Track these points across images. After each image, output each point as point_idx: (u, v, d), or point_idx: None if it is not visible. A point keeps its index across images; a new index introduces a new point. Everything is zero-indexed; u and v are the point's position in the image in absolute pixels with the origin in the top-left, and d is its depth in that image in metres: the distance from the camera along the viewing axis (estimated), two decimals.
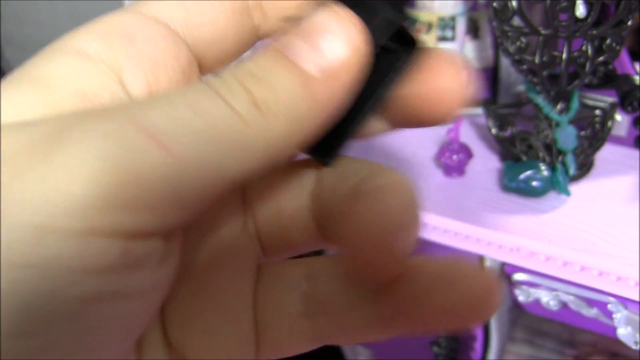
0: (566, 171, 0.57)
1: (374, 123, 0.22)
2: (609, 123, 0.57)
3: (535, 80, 0.56)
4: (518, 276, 0.58)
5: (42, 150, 0.16)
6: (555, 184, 0.57)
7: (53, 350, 0.15)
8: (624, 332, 0.56)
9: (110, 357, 0.17)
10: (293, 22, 0.19)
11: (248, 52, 0.21)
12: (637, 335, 0.56)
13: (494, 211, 0.57)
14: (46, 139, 0.16)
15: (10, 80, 0.19)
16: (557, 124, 0.57)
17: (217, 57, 0.22)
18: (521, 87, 0.66)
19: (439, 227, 0.57)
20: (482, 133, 0.66)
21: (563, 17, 0.53)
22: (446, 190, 0.60)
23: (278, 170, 0.23)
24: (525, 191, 0.57)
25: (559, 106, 0.57)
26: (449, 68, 0.20)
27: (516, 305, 0.63)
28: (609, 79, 0.59)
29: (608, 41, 0.53)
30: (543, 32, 0.53)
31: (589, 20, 0.52)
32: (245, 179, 0.18)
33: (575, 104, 0.57)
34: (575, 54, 0.54)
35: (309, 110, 0.18)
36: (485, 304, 0.19)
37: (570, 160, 0.57)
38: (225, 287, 0.22)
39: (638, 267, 0.51)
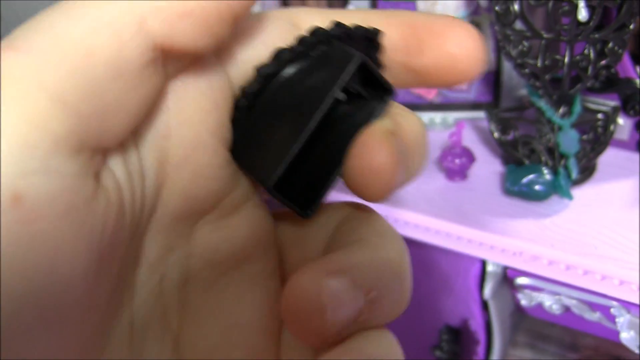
0: (568, 175, 0.57)
1: None
2: (611, 127, 0.57)
3: (537, 84, 0.56)
4: (520, 280, 0.58)
5: None
6: (558, 188, 0.57)
7: None
8: (626, 336, 0.56)
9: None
10: None
11: None
12: None
13: (497, 215, 0.57)
14: None
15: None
16: (560, 128, 0.57)
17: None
18: (523, 91, 0.66)
19: (441, 231, 0.57)
20: (485, 137, 0.66)
21: (565, 20, 0.53)
22: (448, 194, 0.60)
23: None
24: (528, 195, 0.57)
25: (561, 110, 0.57)
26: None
27: (519, 309, 0.63)
28: (611, 83, 0.59)
29: (610, 45, 0.53)
30: (545, 35, 0.53)
31: (591, 24, 0.52)
32: (130, 64, 0.16)
33: (577, 108, 0.57)
34: (578, 57, 0.54)
35: None
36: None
37: (572, 164, 0.57)
38: (249, 311, 0.22)
39: None
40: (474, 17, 0.65)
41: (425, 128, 0.21)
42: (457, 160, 0.60)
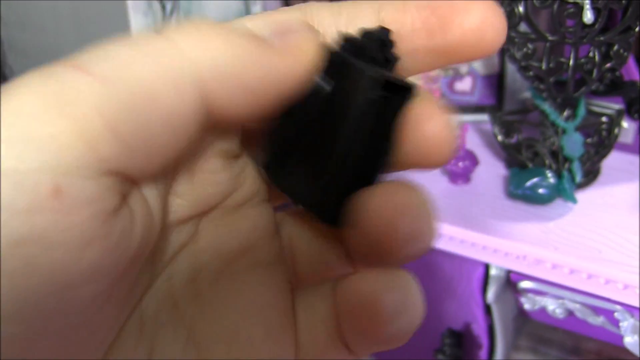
0: (572, 178, 0.57)
1: None
2: (616, 130, 0.57)
3: (541, 86, 0.55)
4: (524, 284, 0.58)
5: None
6: (562, 192, 0.56)
7: None
8: (630, 341, 0.56)
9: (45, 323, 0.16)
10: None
11: None
12: None
13: (500, 218, 0.56)
14: None
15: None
16: (564, 131, 0.57)
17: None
18: (527, 94, 0.66)
19: (445, 235, 0.57)
20: (488, 140, 0.66)
21: (570, 23, 0.52)
22: (452, 197, 0.59)
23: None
24: (531, 198, 0.57)
25: (566, 113, 0.57)
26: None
27: (522, 313, 0.63)
28: (616, 86, 0.58)
29: (615, 47, 0.53)
30: (550, 38, 0.53)
31: (596, 26, 0.52)
32: (185, 116, 0.18)
33: (581, 111, 0.57)
34: (582, 60, 0.54)
35: (251, 51, 0.19)
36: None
37: (576, 167, 0.57)
38: (261, 292, 0.22)
39: None
40: None
41: None
42: (460, 164, 0.60)
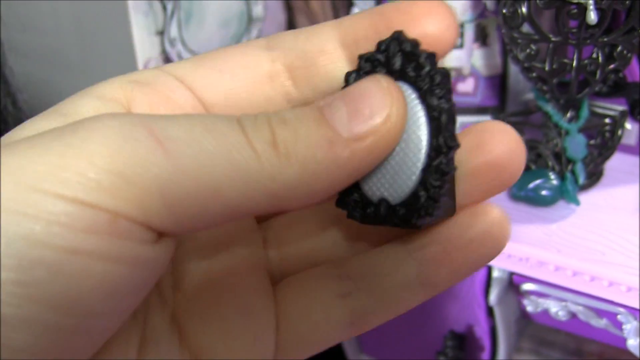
0: (575, 180, 0.57)
1: None
2: (619, 132, 0.57)
3: (544, 88, 0.55)
4: (527, 286, 0.58)
5: (57, 131, 0.18)
6: (565, 193, 0.56)
7: (27, 286, 0.17)
8: (633, 343, 0.55)
9: (85, 315, 0.18)
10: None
11: None
12: None
13: None
14: (64, 125, 0.18)
15: (39, 115, 0.21)
16: (567, 133, 0.57)
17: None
18: (530, 95, 0.65)
19: None
20: None
21: (573, 24, 0.52)
22: None
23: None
24: (534, 200, 0.57)
25: (569, 114, 0.57)
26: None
27: (524, 316, 0.62)
28: (619, 87, 0.58)
29: (619, 49, 0.52)
30: (553, 39, 0.53)
31: (599, 27, 0.51)
32: (248, 212, 0.19)
33: (584, 113, 0.57)
34: (586, 61, 0.53)
35: (327, 164, 0.19)
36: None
37: (579, 169, 0.57)
38: (242, 290, 0.24)
39: None
40: (481, 20, 0.64)
41: None
42: None
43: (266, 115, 0.19)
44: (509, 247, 0.54)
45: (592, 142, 0.57)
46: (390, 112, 0.20)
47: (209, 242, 0.24)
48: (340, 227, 0.25)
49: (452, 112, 0.21)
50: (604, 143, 0.57)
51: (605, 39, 0.52)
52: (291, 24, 0.78)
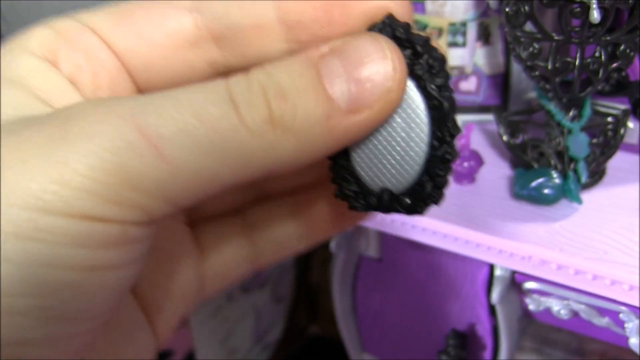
0: (578, 179, 0.57)
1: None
2: (622, 130, 0.57)
3: (547, 86, 0.55)
4: (529, 285, 0.58)
5: (48, 142, 0.18)
6: (567, 192, 0.56)
7: (52, 310, 0.18)
8: (635, 342, 0.55)
9: (99, 319, 0.19)
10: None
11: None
12: None
13: (505, 219, 0.56)
14: (53, 133, 0.18)
15: None
16: (569, 131, 0.57)
17: (154, 80, 0.23)
18: (532, 94, 0.65)
19: (449, 235, 0.57)
20: (493, 140, 0.65)
21: (576, 22, 0.52)
22: (456, 197, 0.59)
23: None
24: (537, 199, 0.57)
25: (571, 113, 0.57)
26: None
27: (526, 314, 0.62)
28: (622, 86, 0.58)
29: (622, 47, 0.52)
30: (556, 37, 0.53)
31: (602, 26, 0.51)
32: (240, 184, 0.20)
33: (587, 111, 0.57)
34: (589, 60, 0.53)
35: (324, 137, 0.19)
36: None
37: (582, 168, 0.57)
38: (166, 236, 0.26)
39: None
40: (483, 19, 0.64)
41: None
42: (465, 164, 0.60)
43: (260, 84, 0.19)
44: (511, 246, 0.54)
45: (594, 140, 0.57)
46: (392, 84, 0.20)
47: None
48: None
49: (452, 101, 0.21)
50: (607, 142, 0.57)
51: (608, 38, 0.52)
52: None
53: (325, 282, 0.83)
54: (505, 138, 0.59)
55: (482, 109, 0.68)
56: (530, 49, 0.54)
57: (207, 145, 0.18)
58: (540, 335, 0.74)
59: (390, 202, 0.22)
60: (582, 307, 0.57)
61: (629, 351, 0.56)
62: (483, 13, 0.64)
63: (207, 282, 0.27)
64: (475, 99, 0.67)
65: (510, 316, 0.62)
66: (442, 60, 0.21)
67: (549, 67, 0.54)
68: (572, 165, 0.57)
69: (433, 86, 0.21)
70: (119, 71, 0.22)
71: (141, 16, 0.22)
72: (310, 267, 0.96)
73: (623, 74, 0.55)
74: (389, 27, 0.21)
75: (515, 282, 0.59)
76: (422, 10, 0.64)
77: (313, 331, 1.03)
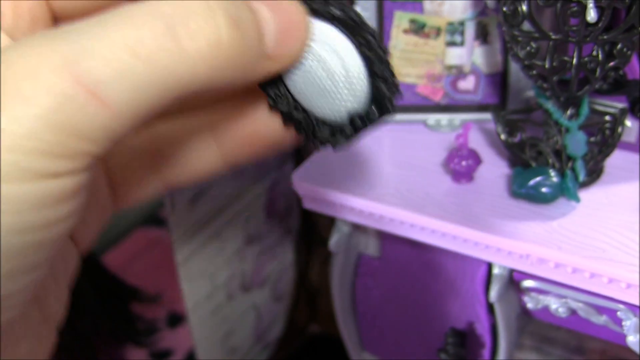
0: (576, 177, 0.57)
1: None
2: (619, 129, 0.57)
3: (545, 85, 0.55)
4: (527, 283, 0.58)
5: None
6: (565, 191, 0.56)
7: (16, 269, 0.19)
8: (633, 340, 0.56)
9: (52, 260, 0.20)
10: None
11: None
12: None
13: (503, 217, 0.56)
14: None
15: None
16: (567, 130, 0.57)
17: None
18: (530, 93, 0.65)
19: (448, 234, 0.57)
20: (491, 139, 0.66)
21: (573, 21, 0.52)
22: (455, 196, 0.59)
23: None
24: (535, 197, 0.57)
25: (569, 112, 0.57)
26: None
27: (525, 312, 0.63)
28: (619, 85, 0.58)
29: (619, 46, 0.53)
30: (553, 37, 0.53)
31: (599, 25, 0.51)
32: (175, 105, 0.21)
33: (585, 110, 0.57)
34: (586, 59, 0.53)
35: (263, 63, 0.22)
36: None
37: (580, 166, 0.57)
38: None
39: None
40: (482, 18, 0.65)
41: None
42: (463, 162, 0.60)
43: (208, 6, 0.20)
44: (510, 244, 0.54)
45: (592, 139, 0.57)
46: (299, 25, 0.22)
47: None
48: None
49: (355, 12, 0.23)
50: (604, 140, 0.57)
51: (606, 37, 0.52)
52: None
53: (325, 281, 0.83)
54: (503, 137, 0.59)
55: (480, 107, 0.68)
56: (528, 48, 0.54)
57: (146, 81, 0.19)
58: (540, 333, 0.74)
59: (364, 123, 0.25)
60: (580, 305, 0.57)
61: (628, 349, 0.57)
62: (481, 12, 0.64)
63: (118, 199, 0.28)
64: (473, 98, 0.68)
65: (509, 314, 0.62)
66: None
67: (547, 66, 0.54)
68: (570, 164, 0.57)
69: (333, 9, 0.23)
70: None
71: None
72: (310, 266, 0.96)
73: (620, 72, 0.55)
74: None
75: (513, 280, 0.59)
76: (420, 9, 0.64)
77: (313, 330, 1.03)
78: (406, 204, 0.59)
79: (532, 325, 0.74)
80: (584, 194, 0.58)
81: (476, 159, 0.60)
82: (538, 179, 0.56)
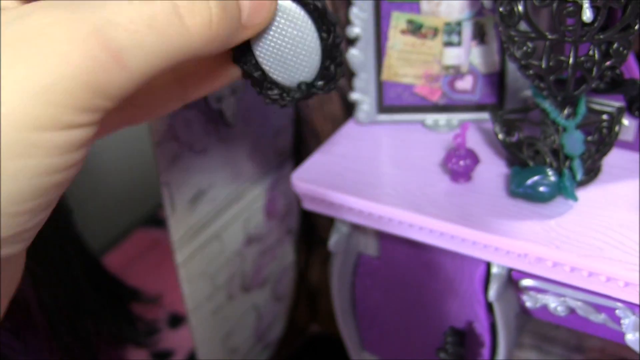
0: (573, 176, 0.57)
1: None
2: (616, 128, 0.57)
3: (542, 85, 0.56)
4: (525, 282, 0.58)
5: (23, 48, 0.21)
6: (563, 190, 0.56)
7: (42, 205, 0.23)
8: (632, 338, 0.56)
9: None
10: None
11: None
12: None
13: (501, 217, 0.57)
14: (23, 38, 0.22)
15: None
16: (564, 129, 0.57)
17: None
18: (528, 93, 0.66)
19: (446, 233, 0.57)
20: (489, 138, 0.66)
21: (570, 21, 0.52)
22: (453, 196, 0.60)
23: None
24: (532, 197, 0.57)
25: (566, 111, 0.57)
26: None
27: (524, 311, 0.63)
28: (616, 84, 0.58)
29: (615, 46, 0.53)
30: (549, 36, 0.53)
31: (595, 24, 0.52)
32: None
33: (582, 109, 0.57)
34: (582, 58, 0.54)
35: (238, 35, 0.28)
36: None
37: (577, 165, 0.57)
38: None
39: None
40: (479, 18, 0.65)
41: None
42: (461, 162, 0.60)
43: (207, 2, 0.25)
44: (508, 243, 0.55)
45: (589, 138, 0.58)
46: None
47: None
48: None
49: (322, 2, 0.29)
50: (602, 139, 0.58)
51: (602, 36, 0.52)
52: None
53: (325, 281, 0.84)
54: (501, 136, 0.60)
55: (478, 107, 0.68)
56: (524, 48, 0.54)
57: (156, 49, 0.23)
58: (540, 332, 0.74)
59: (308, 90, 0.31)
60: (579, 303, 0.57)
61: (627, 347, 0.57)
62: (478, 12, 0.65)
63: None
64: (471, 98, 0.68)
65: (508, 313, 0.62)
66: None
67: (543, 65, 0.54)
68: (567, 163, 0.57)
69: None
70: None
71: None
72: (310, 266, 0.96)
73: (617, 71, 0.55)
74: None
75: (511, 279, 0.59)
76: (418, 10, 0.65)
77: (313, 330, 1.03)
78: (405, 203, 0.59)
79: (531, 324, 0.74)
80: (581, 193, 0.58)
81: (474, 158, 0.60)
82: (536, 178, 0.57)
